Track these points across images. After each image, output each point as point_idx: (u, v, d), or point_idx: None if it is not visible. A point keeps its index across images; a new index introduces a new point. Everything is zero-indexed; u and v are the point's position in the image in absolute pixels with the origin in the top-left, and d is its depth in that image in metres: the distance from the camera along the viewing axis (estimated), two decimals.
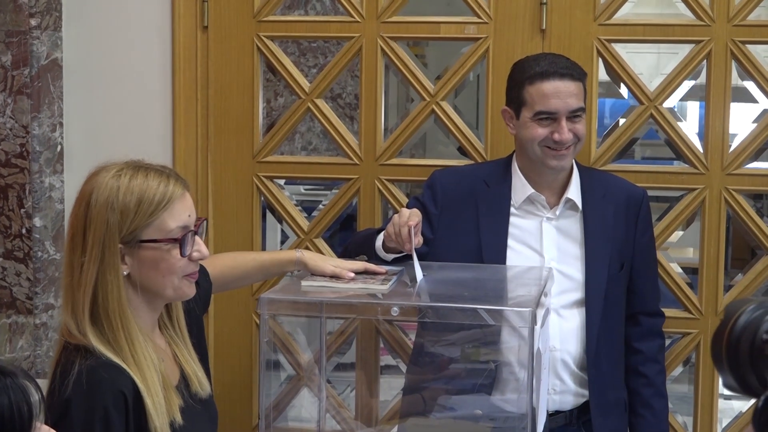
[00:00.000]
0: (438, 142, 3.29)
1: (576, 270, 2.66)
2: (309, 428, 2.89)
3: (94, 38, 3.18)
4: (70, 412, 1.86)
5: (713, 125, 2.95)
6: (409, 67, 3.06)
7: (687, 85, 3.03)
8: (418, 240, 2.47)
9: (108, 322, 1.93)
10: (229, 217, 3.16)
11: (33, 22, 3.07)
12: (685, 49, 2.99)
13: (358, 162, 3.10)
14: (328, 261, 2.48)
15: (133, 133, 3.18)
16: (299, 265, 2.46)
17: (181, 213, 1.97)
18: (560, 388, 2.66)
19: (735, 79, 2.93)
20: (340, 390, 3.40)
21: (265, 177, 3.16)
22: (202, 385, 2.09)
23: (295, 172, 3.32)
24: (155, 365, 1.95)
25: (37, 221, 3.11)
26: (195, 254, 2.00)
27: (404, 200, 3.12)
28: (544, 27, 2.97)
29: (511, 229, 2.67)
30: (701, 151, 2.96)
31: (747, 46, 2.92)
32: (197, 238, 2.01)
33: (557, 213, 2.66)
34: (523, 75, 2.59)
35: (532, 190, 2.64)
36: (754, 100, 3.01)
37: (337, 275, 2.42)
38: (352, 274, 2.44)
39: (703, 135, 2.98)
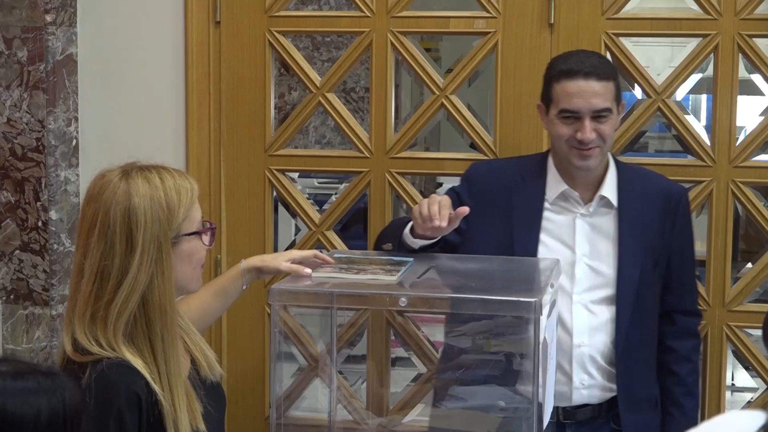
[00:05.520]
0: (452, 134, 3.34)
1: (608, 266, 2.67)
2: (321, 418, 2.89)
3: (108, 34, 3.23)
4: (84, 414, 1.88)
5: (720, 118, 2.98)
6: (419, 62, 3.11)
7: (694, 78, 3.07)
8: (445, 223, 2.47)
9: (151, 328, 1.94)
10: (241, 211, 3.21)
11: (48, 18, 3.11)
12: (693, 43, 3.03)
13: (368, 155, 3.16)
14: (278, 258, 2.45)
15: (147, 127, 3.24)
16: (251, 273, 2.41)
17: (198, 206, 2.06)
18: (588, 383, 2.67)
19: (742, 72, 2.96)
20: (351, 381, 3.45)
21: (277, 170, 3.21)
22: (212, 368, 2.13)
23: (307, 165, 3.39)
24: (183, 379, 1.98)
25: (53, 214, 3.16)
26: (208, 245, 2.10)
27: (415, 193, 3.18)
28: (552, 21, 3.02)
29: (544, 224, 2.68)
30: (708, 144, 3.01)
31: (754, 39, 2.95)
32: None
33: (591, 210, 2.67)
34: (552, 72, 2.63)
35: (566, 186, 2.66)
36: (761, 93, 3.05)
37: (294, 272, 2.40)
38: (309, 271, 2.41)
39: (710, 128, 3.02)
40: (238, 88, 3.20)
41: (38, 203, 3.15)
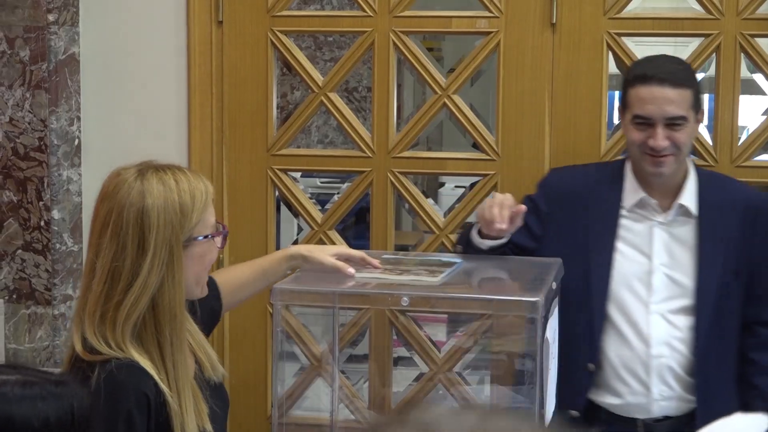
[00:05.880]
0: (455, 134, 3.35)
1: (686, 276, 2.61)
2: (323, 418, 2.87)
3: (110, 33, 3.24)
4: (92, 421, 1.89)
5: (722, 118, 2.99)
6: (421, 61, 3.12)
7: (696, 77, 3.07)
8: (508, 225, 2.46)
9: (160, 330, 1.95)
10: (243, 210, 3.23)
11: (51, 17, 3.13)
12: (695, 43, 3.04)
13: (370, 155, 3.17)
14: (326, 251, 2.43)
15: (150, 126, 3.25)
16: (297, 259, 2.41)
17: (212, 208, 2.06)
18: (668, 394, 2.62)
19: (744, 72, 2.98)
20: (354, 381, 3.46)
21: (279, 170, 3.23)
22: (215, 369, 2.13)
23: (309, 165, 3.40)
24: (190, 381, 1.99)
25: (56, 214, 3.17)
26: (220, 248, 2.11)
27: (417, 193, 3.19)
28: (554, 21, 3.03)
29: (620, 232, 2.63)
30: (710, 143, 3.01)
31: (756, 39, 2.96)
32: None
33: (669, 218, 2.62)
34: (628, 76, 2.59)
35: (644, 194, 2.61)
36: (763, 93, 3.07)
37: (337, 269, 2.37)
38: (353, 271, 2.37)
39: (712, 127, 3.03)
40: (241, 88, 3.21)
41: (41, 203, 3.16)
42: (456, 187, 5.42)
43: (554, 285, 2.73)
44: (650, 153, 2.53)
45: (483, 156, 3.12)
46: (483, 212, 2.49)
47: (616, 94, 7.31)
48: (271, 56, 3.20)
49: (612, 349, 2.61)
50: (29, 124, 3.15)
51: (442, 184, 5.82)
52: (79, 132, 3.26)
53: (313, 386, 3.21)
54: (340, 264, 2.38)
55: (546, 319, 2.54)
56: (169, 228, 1.95)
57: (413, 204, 3.18)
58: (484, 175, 3.13)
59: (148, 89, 3.25)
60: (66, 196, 3.21)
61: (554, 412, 2.80)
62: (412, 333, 3.18)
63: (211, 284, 2.24)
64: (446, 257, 2.89)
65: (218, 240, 2.06)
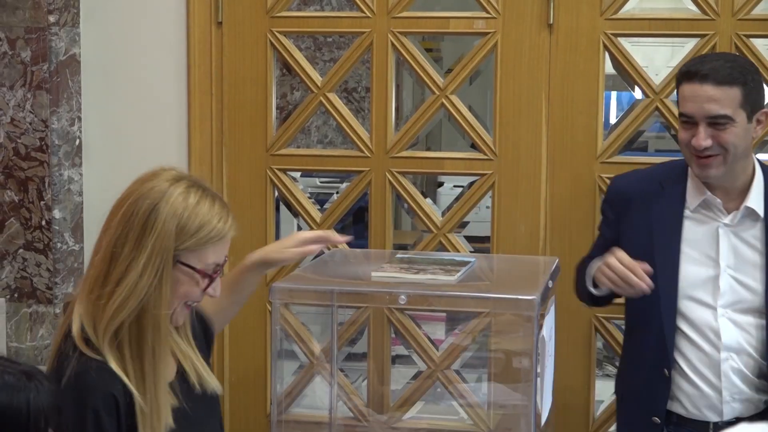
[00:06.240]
0: (453, 133, 3.37)
1: (754, 279, 2.52)
2: (321, 415, 2.92)
3: (111, 34, 3.25)
4: (62, 415, 1.84)
5: None
6: (419, 62, 3.14)
7: (754, 76, 3.07)
8: (650, 283, 2.41)
9: (142, 337, 1.94)
10: (243, 209, 3.24)
11: (51, 18, 3.14)
12: (691, 43, 3.05)
13: (369, 155, 3.19)
14: (283, 246, 2.37)
15: (150, 126, 3.26)
16: (261, 264, 2.36)
17: (222, 252, 2.02)
18: (739, 396, 2.55)
19: None
20: (352, 379, 3.47)
21: (278, 169, 3.24)
22: (202, 380, 2.10)
23: (308, 164, 3.42)
24: (165, 387, 1.98)
25: (57, 213, 3.18)
26: (210, 291, 2.03)
27: (415, 192, 3.21)
28: (551, 22, 3.05)
29: (684, 233, 2.54)
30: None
31: (751, 39, 2.98)
32: (218, 278, 2.05)
33: (735, 220, 2.51)
34: (678, 74, 2.51)
35: (708, 194, 2.51)
36: None
37: (303, 254, 2.36)
38: (315, 247, 2.36)
39: None
40: (240, 88, 3.23)
41: (42, 202, 3.17)
42: (455, 186, 5.42)
43: (550, 284, 2.75)
44: (696, 153, 2.44)
45: (480, 156, 3.13)
46: (615, 277, 2.42)
47: (613, 94, 7.36)
48: (271, 57, 3.22)
49: (682, 354, 2.54)
50: (30, 124, 3.16)
51: (441, 184, 5.83)
52: (80, 132, 3.27)
53: (312, 384, 3.22)
54: (304, 250, 2.35)
55: (542, 317, 2.57)
56: (167, 238, 1.94)
57: (411, 203, 3.20)
58: (482, 175, 3.14)
59: (148, 90, 3.26)
60: (67, 196, 3.22)
61: (550, 408, 2.83)
62: (411, 331, 3.19)
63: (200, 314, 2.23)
64: (459, 256, 2.92)
65: (200, 279, 1.99)
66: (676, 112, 3.00)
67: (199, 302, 2.06)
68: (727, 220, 2.51)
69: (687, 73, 2.43)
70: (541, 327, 2.53)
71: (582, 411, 3.14)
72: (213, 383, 2.14)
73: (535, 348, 2.48)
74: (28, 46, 3.14)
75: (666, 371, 2.54)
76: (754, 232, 2.51)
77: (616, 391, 2.79)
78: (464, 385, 3.17)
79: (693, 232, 2.54)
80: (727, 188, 2.51)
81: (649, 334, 2.57)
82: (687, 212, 2.54)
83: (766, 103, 2.53)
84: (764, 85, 2.51)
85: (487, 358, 3.05)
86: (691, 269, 2.53)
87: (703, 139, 2.40)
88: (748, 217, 2.51)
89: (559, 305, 2.98)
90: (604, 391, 3.29)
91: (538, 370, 2.53)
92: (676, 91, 2.51)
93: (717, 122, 2.40)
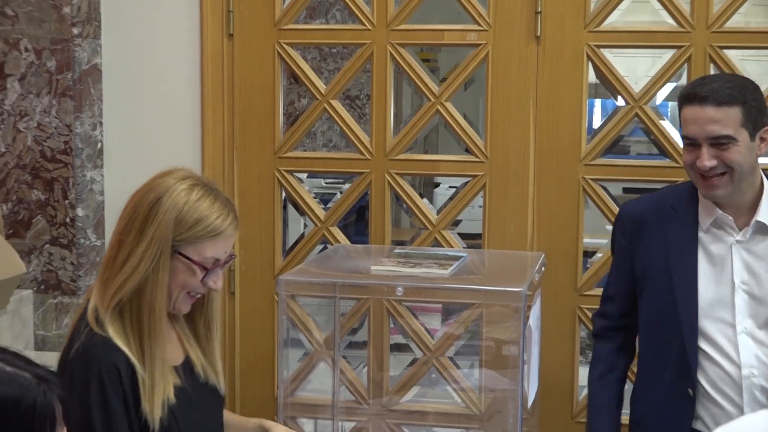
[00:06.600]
0: (450, 137, 3.37)
1: None
2: (325, 399, 2.91)
3: (130, 45, 3.27)
4: (69, 385, 1.90)
5: None
6: (416, 71, 3.15)
7: (669, 86, 3.09)
8: None
9: (140, 315, 1.96)
10: (253, 209, 3.25)
11: (75, 30, 3.15)
12: (668, 54, 3.06)
13: (369, 157, 3.20)
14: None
15: (166, 131, 3.27)
16: (262, 429, 2.25)
17: (221, 248, 2.01)
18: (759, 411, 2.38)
19: None
20: (354, 365, 3.48)
21: (285, 171, 3.25)
22: (206, 373, 2.12)
23: (312, 166, 3.43)
24: (165, 364, 1.99)
25: (80, 211, 3.19)
26: (211, 284, 2.03)
27: (412, 192, 3.22)
28: (538, 34, 3.06)
29: (700, 253, 2.41)
30: (681, 146, 3.03)
31: (724, 51, 2.99)
32: (220, 271, 2.04)
33: (747, 235, 2.39)
34: (679, 97, 2.37)
35: (719, 212, 2.39)
36: None
37: None
38: None
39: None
40: (250, 96, 3.24)
41: (66, 201, 3.18)
42: (450, 187, 5.44)
43: (537, 277, 2.77)
44: (701, 174, 2.32)
45: (472, 158, 3.14)
46: None
47: (597, 102, 7.34)
48: (278, 66, 3.23)
49: (704, 373, 2.40)
50: (56, 129, 3.17)
51: (438, 185, 5.85)
52: (102, 136, 3.28)
53: (317, 370, 3.22)
54: None
55: (529, 308, 2.58)
56: (166, 229, 1.96)
57: (408, 202, 3.21)
58: (474, 176, 3.15)
59: (165, 97, 3.27)
60: (89, 195, 3.23)
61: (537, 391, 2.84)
62: (408, 321, 3.20)
63: None
64: (452, 252, 2.92)
65: (197, 269, 1.99)
66: (655, 119, 3.05)
67: (202, 293, 2.06)
68: (739, 236, 2.39)
69: (687, 96, 2.32)
70: (527, 317, 2.55)
71: (566, 395, 3.14)
72: (215, 380, 2.14)
73: (522, 336, 2.50)
74: (54, 56, 3.15)
75: (690, 391, 2.40)
76: (766, 246, 2.40)
77: (632, 413, 2.59)
78: (457, 371, 3.18)
79: (707, 252, 2.42)
80: (736, 205, 2.39)
81: (670, 355, 2.43)
82: (701, 233, 2.42)
83: None
84: (766, 103, 2.39)
85: (479, 346, 3.04)
86: (708, 288, 2.40)
87: (707, 159, 2.29)
88: (758, 231, 2.40)
89: (545, 297, 3.00)
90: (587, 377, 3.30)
91: (525, 357, 2.55)
92: (678, 113, 2.37)
93: (719, 142, 2.28)
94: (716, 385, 2.38)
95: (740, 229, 2.39)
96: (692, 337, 2.38)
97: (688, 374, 2.39)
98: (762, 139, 2.34)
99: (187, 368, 2.09)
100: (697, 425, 2.41)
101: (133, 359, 1.95)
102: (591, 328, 3.11)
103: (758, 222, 2.38)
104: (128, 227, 1.98)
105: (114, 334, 1.95)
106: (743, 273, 2.39)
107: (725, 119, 2.27)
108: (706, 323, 2.39)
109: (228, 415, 2.29)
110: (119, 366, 1.93)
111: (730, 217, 2.38)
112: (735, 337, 2.38)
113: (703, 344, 2.39)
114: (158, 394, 1.96)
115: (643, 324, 2.51)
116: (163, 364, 1.98)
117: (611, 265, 2.60)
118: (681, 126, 2.35)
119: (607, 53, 3.08)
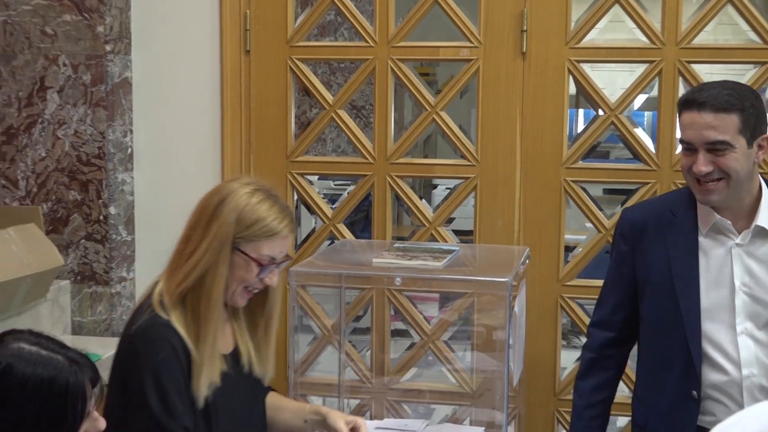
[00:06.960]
0: (446, 143, 3.43)
1: None
2: (332, 378, 2.96)
3: (157, 61, 3.29)
4: (130, 359, 1.98)
5: (663, 131, 3.04)
6: (414, 83, 3.20)
7: (642, 97, 3.13)
8: None
9: (196, 303, 2.01)
10: None
11: (108, 47, 3.16)
12: (641, 68, 3.11)
13: (372, 161, 3.23)
14: (341, 416, 2.23)
15: (190, 138, 3.30)
16: (319, 414, 2.24)
17: (277, 248, 2.05)
18: None
19: (681, 93, 3.03)
20: (359, 349, 3.51)
21: (297, 174, 3.29)
22: (252, 364, 2.17)
23: (321, 169, 3.48)
24: (215, 350, 2.03)
25: (112, 210, 3.21)
26: (266, 280, 2.07)
27: (411, 193, 3.26)
28: (524, 50, 3.09)
29: (700, 257, 2.29)
30: (654, 151, 3.08)
31: (692, 65, 3.03)
32: (275, 270, 2.08)
33: (746, 239, 2.27)
34: (678, 103, 2.27)
35: (718, 216, 2.27)
36: None
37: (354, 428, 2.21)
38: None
39: (655, 138, 3.09)
40: (265, 106, 3.26)
41: (100, 201, 3.19)
42: (446, 188, 5.49)
43: (522, 269, 2.82)
44: (698, 179, 2.21)
45: (465, 162, 3.18)
46: None
47: (580, 111, 7.38)
48: (290, 80, 3.25)
49: (706, 376, 2.28)
50: (90, 135, 3.18)
51: (435, 186, 5.90)
52: (132, 142, 3.29)
53: (325, 353, 3.24)
54: (353, 423, 2.22)
55: (514, 297, 2.63)
56: (228, 227, 2.01)
57: (408, 202, 3.25)
58: (466, 178, 3.19)
59: (188, 107, 3.29)
60: (121, 196, 3.25)
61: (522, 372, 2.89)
62: (407, 309, 3.24)
63: None
64: (446, 246, 2.96)
65: (253, 266, 2.03)
66: (630, 126, 3.11)
67: (258, 288, 2.09)
68: (738, 240, 2.27)
69: (686, 102, 2.20)
70: (513, 305, 2.59)
71: (549, 375, 3.18)
72: (261, 371, 2.18)
73: (508, 322, 2.51)
74: (89, 70, 3.16)
75: (695, 393, 2.29)
76: (766, 250, 2.28)
77: (635, 417, 2.47)
78: (451, 354, 3.19)
79: (708, 256, 2.29)
80: (734, 209, 2.27)
81: (674, 359, 2.31)
82: (700, 237, 2.30)
83: None
84: (765, 111, 2.26)
85: (471, 331, 3.06)
86: (709, 291, 2.29)
87: (703, 164, 2.17)
88: (758, 235, 2.27)
89: (530, 286, 3.04)
90: (568, 359, 3.34)
91: (511, 341, 2.56)
92: (677, 119, 2.27)
93: (716, 148, 2.17)
94: (719, 386, 2.28)
95: (739, 233, 2.28)
96: (696, 340, 2.28)
97: (693, 377, 2.28)
98: (760, 147, 2.23)
99: (234, 358, 2.14)
100: (702, 422, 2.31)
101: (189, 342, 2.00)
102: (573, 318, 3.14)
103: (758, 226, 2.27)
104: (196, 224, 2.05)
105: (175, 319, 2.01)
106: (743, 275, 2.28)
107: (722, 125, 2.16)
108: (708, 326, 2.28)
109: (282, 400, 2.32)
110: (176, 347, 1.98)
111: (729, 222, 2.27)
112: (735, 338, 2.27)
113: (705, 346, 2.28)
114: (206, 376, 2.00)
115: (645, 329, 2.40)
116: (213, 350, 2.02)
117: (608, 270, 2.48)
118: (679, 131, 2.25)
119: (586, 67, 3.11)
